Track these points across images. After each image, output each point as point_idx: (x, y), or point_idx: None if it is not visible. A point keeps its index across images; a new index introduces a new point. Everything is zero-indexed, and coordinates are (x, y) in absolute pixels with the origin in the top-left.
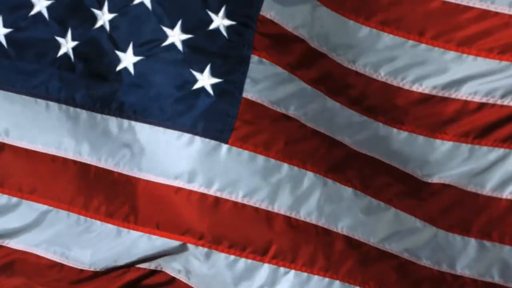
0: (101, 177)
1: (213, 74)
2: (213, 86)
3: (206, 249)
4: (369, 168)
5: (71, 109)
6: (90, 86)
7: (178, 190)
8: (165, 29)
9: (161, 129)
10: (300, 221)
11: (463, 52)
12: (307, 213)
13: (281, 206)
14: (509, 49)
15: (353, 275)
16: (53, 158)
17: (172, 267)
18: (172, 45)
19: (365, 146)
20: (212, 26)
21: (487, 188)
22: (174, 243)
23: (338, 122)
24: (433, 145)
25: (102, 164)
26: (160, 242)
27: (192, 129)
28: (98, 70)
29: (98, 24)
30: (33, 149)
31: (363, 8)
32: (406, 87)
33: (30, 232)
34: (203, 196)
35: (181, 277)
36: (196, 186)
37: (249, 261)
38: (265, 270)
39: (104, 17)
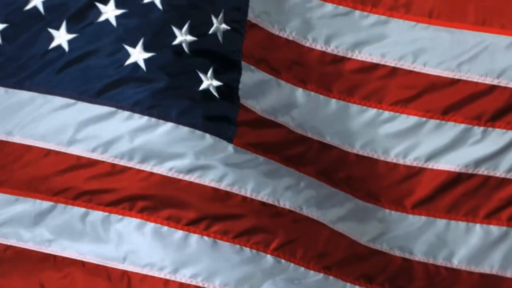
0: None
1: (216, 77)
2: (217, 88)
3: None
4: (358, 170)
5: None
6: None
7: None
8: (175, 29)
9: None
10: (303, 216)
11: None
12: (308, 210)
13: (286, 202)
14: None
15: (345, 272)
16: None
17: None
18: (180, 46)
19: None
20: (211, 30)
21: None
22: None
23: (329, 121)
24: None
25: None
26: None
27: (203, 127)
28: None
29: (102, 19)
30: None
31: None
32: (417, 69)
33: None
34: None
35: None
36: (206, 181)
37: (254, 251)
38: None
39: (110, 13)
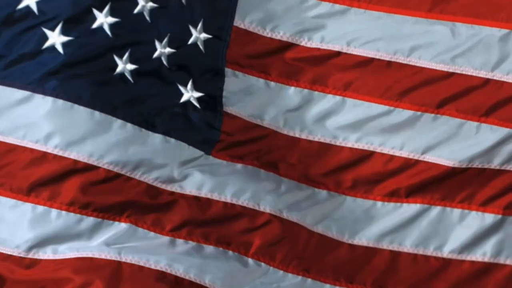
0: None
1: (196, 88)
2: (198, 99)
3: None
4: (351, 163)
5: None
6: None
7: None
8: (156, 42)
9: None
10: (285, 220)
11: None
12: (289, 213)
13: (266, 206)
14: None
15: (325, 273)
16: None
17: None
18: (159, 59)
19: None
20: (191, 41)
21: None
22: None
23: (322, 116)
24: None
25: None
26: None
27: (184, 138)
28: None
29: (97, 25)
30: None
31: None
32: (412, 63)
33: None
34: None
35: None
36: (187, 190)
37: (236, 254)
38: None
39: (105, 19)
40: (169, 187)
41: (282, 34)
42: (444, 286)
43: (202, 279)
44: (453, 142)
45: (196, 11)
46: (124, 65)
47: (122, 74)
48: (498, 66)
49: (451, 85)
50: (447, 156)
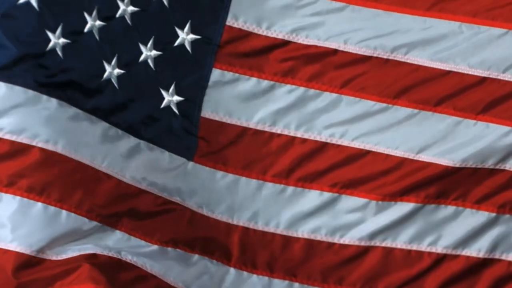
0: None
1: (178, 92)
2: (178, 105)
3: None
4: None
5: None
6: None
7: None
8: (141, 46)
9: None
10: (258, 231)
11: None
12: (265, 222)
13: (240, 219)
14: None
15: (312, 276)
16: None
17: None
18: (146, 62)
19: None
20: (177, 42)
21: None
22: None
23: (318, 113)
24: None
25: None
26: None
27: (162, 145)
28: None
29: (88, 28)
30: None
31: None
32: (410, 61)
33: None
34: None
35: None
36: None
37: (220, 263)
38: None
39: (95, 23)
40: (160, 195)
41: (278, 32)
42: (438, 280)
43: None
44: (450, 140)
45: (182, 13)
46: (112, 71)
47: (109, 80)
48: (495, 65)
49: (448, 83)
50: (443, 155)
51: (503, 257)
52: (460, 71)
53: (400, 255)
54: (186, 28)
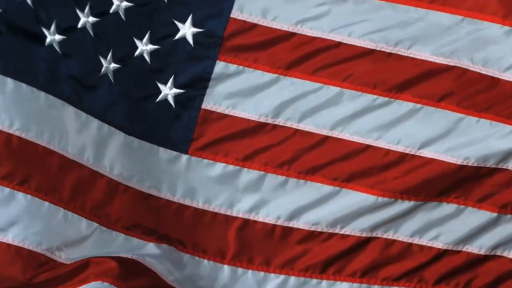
0: None
1: (176, 85)
2: (176, 97)
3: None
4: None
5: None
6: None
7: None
8: (136, 40)
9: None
10: (258, 223)
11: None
12: (266, 214)
13: (239, 210)
14: None
15: (309, 269)
16: None
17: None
18: (141, 57)
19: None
20: (178, 36)
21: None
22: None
23: (313, 106)
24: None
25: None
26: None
27: (153, 139)
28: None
29: (81, 24)
30: None
31: None
32: (412, 55)
33: None
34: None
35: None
36: (162, 194)
37: (211, 262)
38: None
39: (88, 19)
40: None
41: (282, 24)
42: (438, 273)
43: None
44: (451, 137)
45: (183, 6)
46: (108, 65)
47: (105, 75)
48: (497, 63)
49: (451, 78)
50: (445, 152)
51: (505, 254)
52: (463, 66)
53: (401, 247)
54: (188, 22)
